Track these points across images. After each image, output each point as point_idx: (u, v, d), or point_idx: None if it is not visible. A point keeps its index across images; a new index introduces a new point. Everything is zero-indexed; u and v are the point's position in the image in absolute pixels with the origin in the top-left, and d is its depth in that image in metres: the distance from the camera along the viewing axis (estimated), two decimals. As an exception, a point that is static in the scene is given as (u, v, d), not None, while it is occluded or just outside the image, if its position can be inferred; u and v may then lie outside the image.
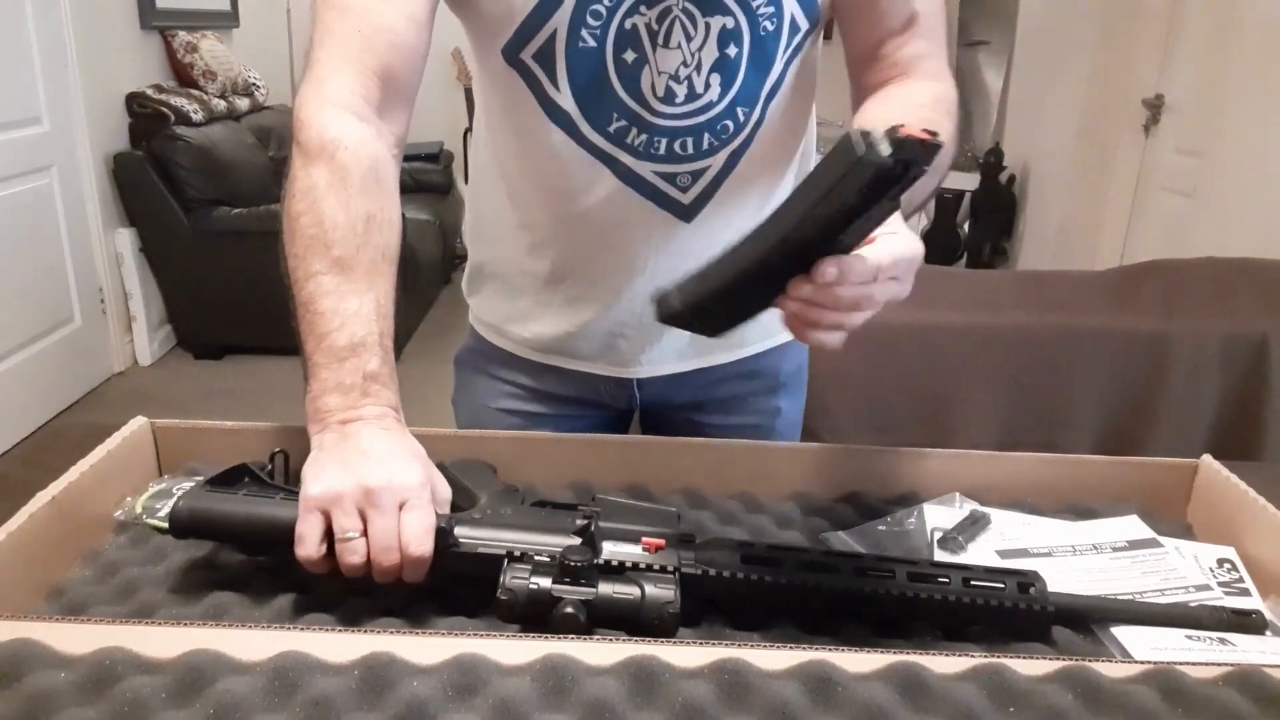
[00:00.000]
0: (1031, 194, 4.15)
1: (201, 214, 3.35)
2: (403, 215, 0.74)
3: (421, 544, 0.59)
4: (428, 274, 3.98)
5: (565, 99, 0.81)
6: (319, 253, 0.67)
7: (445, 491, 0.65)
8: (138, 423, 0.80)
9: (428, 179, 4.51)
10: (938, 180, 0.79)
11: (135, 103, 3.35)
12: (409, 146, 0.81)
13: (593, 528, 0.62)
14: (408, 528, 0.59)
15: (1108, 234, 3.49)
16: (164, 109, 3.34)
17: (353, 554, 0.59)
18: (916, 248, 0.65)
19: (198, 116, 3.45)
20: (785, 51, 0.81)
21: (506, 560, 0.60)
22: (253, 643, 0.53)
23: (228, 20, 4.30)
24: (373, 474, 0.60)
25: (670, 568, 0.61)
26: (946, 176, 0.83)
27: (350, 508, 0.59)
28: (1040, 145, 4.03)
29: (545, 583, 0.58)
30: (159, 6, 3.59)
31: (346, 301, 0.66)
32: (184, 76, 3.72)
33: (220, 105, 3.69)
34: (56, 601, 0.64)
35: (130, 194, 3.34)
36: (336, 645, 0.53)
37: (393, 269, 0.70)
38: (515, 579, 0.58)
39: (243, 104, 3.91)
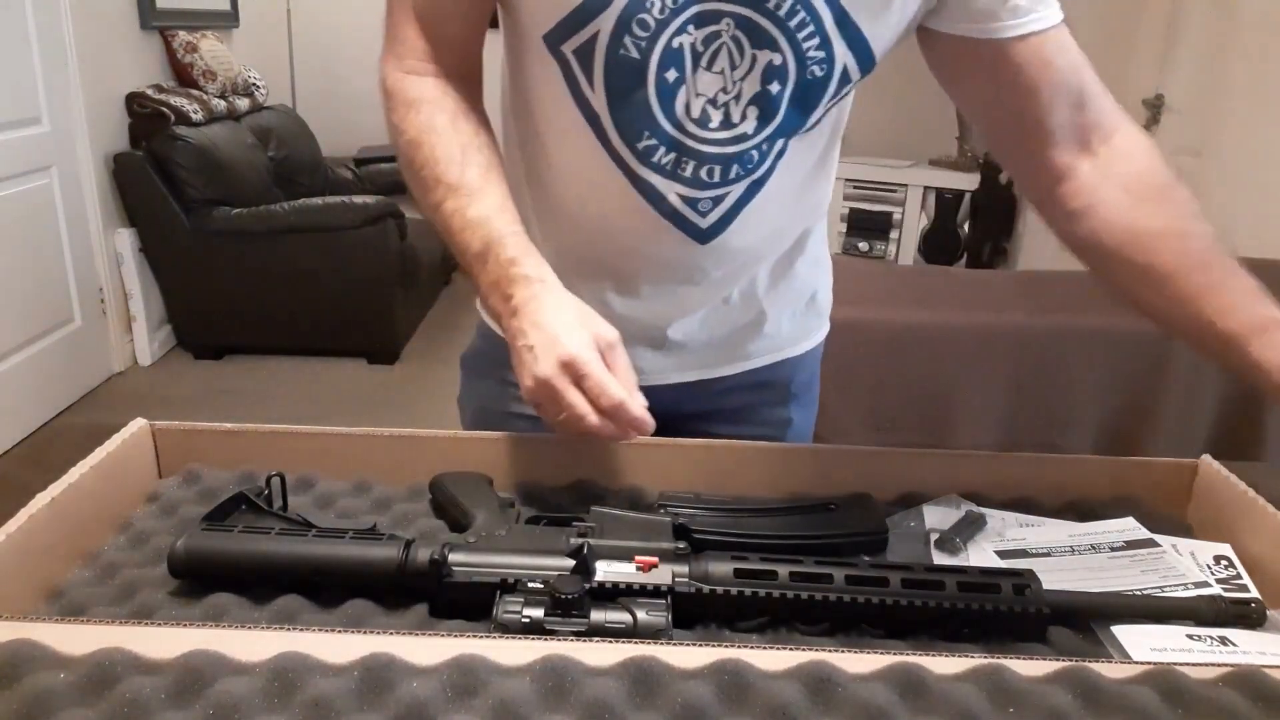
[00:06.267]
0: (1031, 194, 4.14)
1: (201, 214, 3.35)
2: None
3: (608, 399, 0.67)
4: (428, 274, 3.98)
5: (599, 102, 0.79)
6: (433, 187, 0.78)
7: (610, 333, 0.72)
8: (137, 424, 0.80)
9: (428, 179, 4.50)
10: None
11: (135, 103, 3.35)
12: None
13: (585, 549, 0.63)
14: (591, 395, 0.68)
15: (1108, 234, 3.48)
16: (164, 109, 3.34)
17: (564, 429, 0.69)
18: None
19: (198, 116, 3.45)
20: (830, 100, 0.80)
21: (499, 592, 0.60)
22: (253, 643, 0.53)
23: (228, 20, 4.30)
24: (542, 368, 0.68)
25: (664, 587, 0.61)
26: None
27: (543, 401, 0.69)
28: (1040, 145, 4.02)
29: (538, 614, 0.58)
30: (159, 6, 3.59)
31: (468, 214, 0.76)
32: (184, 76, 3.72)
33: (220, 105, 3.69)
34: (56, 602, 0.64)
35: (130, 194, 3.34)
36: (336, 646, 0.53)
37: (500, 176, 0.80)
38: (507, 613, 0.59)
39: (243, 104, 3.91)
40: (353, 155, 4.57)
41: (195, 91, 3.63)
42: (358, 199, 3.51)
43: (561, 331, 0.69)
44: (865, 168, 4.32)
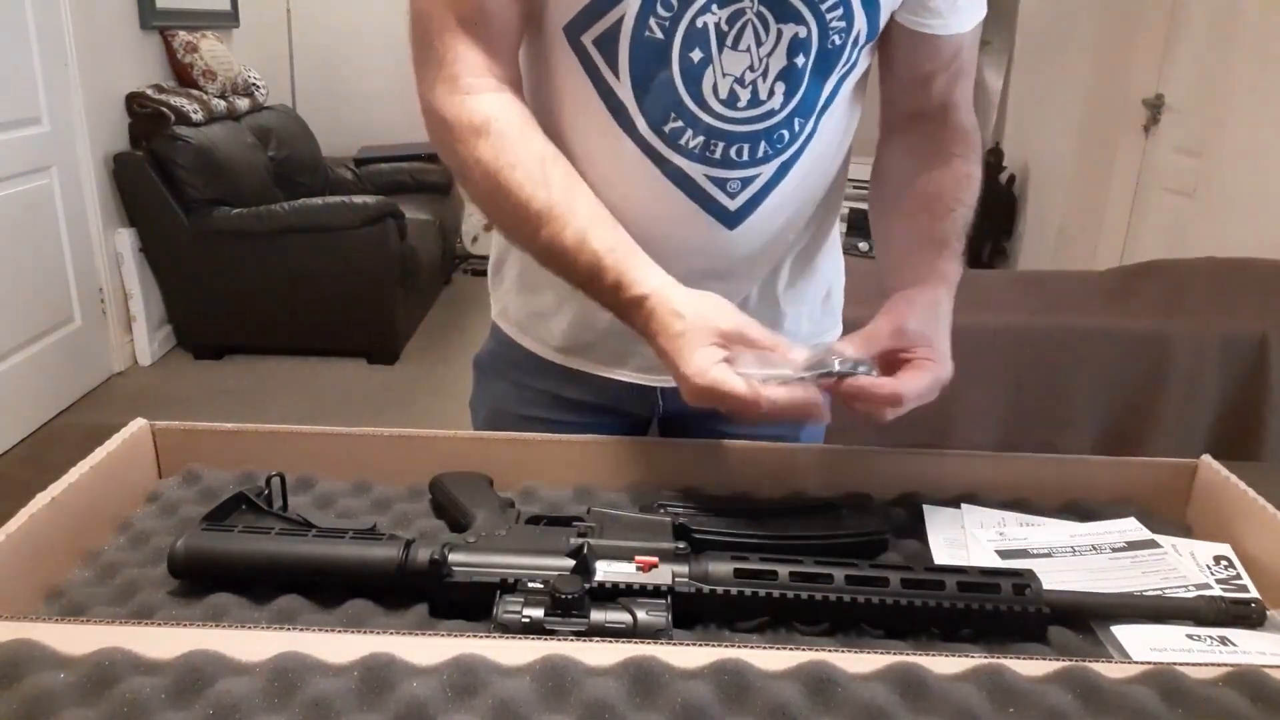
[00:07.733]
0: (1031, 194, 4.15)
1: (201, 214, 3.35)
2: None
3: (754, 408, 0.68)
4: (428, 274, 3.98)
5: (624, 90, 0.79)
6: (526, 215, 0.77)
7: (757, 332, 0.72)
8: (137, 424, 0.80)
9: (428, 179, 4.50)
10: (969, 220, 0.92)
11: (135, 103, 3.35)
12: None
13: (585, 549, 0.63)
14: (736, 406, 0.69)
15: (1108, 234, 3.49)
16: (164, 109, 3.34)
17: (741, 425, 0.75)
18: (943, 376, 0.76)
19: (198, 116, 3.45)
20: (844, 66, 0.81)
21: (499, 592, 0.61)
22: (253, 643, 0.53)
23: (228, 20, 4.31)
24: (689, 389, 0.71)
25: (664, 587, 0.61)
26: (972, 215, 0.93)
27: (707, 406, 0.71)
28: (1040, 145, 4.03)
29: (538, 614, 0.59)
30: (159, 6, 3.59)
31: (564, 239, 0.76)
32: (184, 76, 3.72)
33: (220, 105, 3.69)
34: (56, 602, 0.64)
35: (130, 194, 3.34)
36: (336, 646, 0.53)
37: (581, 181, 0.79)
38: (507, 613, 0.59)
39: (243, 104, 3.91)
40: (353, 155, 4.58)
41: (195, 91, 3.63)
42: (358, 199, 3.51)
43: (684, 370, 0.71)
44: (866, 168, 4.31)
